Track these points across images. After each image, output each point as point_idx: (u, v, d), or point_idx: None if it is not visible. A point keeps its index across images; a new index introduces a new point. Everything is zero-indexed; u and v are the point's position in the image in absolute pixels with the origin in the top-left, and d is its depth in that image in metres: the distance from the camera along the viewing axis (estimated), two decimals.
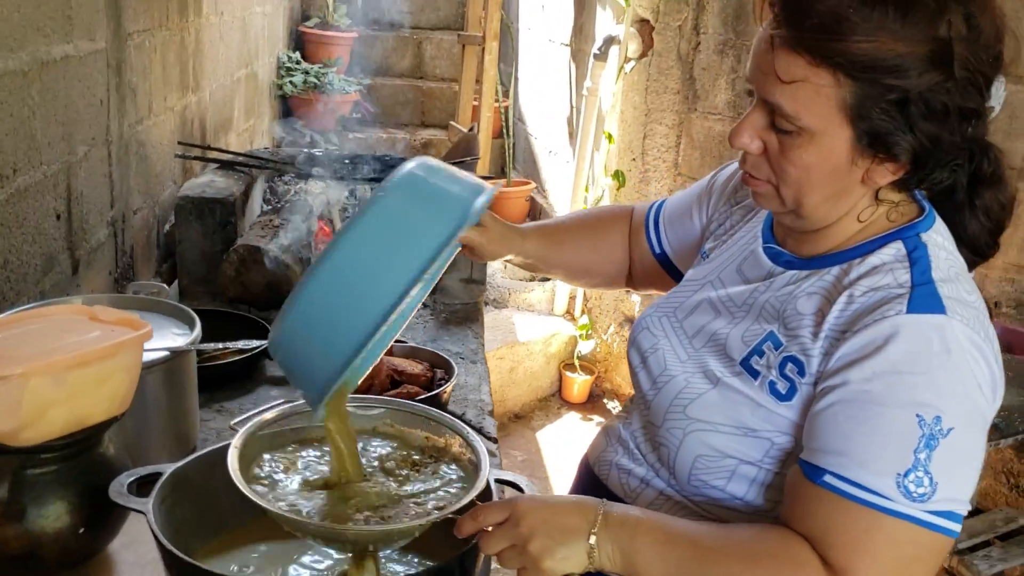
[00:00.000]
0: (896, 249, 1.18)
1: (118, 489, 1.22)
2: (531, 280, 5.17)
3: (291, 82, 5.75)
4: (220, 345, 1.89)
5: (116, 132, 2.53)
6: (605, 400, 4.81)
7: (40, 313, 1.30)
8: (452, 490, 1.22)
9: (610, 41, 4.54)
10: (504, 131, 6.19)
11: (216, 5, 3.75)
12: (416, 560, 1.29)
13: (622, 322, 4.67)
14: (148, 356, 1.44)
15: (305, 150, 3.07)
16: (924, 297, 1.11)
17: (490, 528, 1.15)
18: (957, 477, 1.07)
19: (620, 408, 4.56)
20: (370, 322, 1.05)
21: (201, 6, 3.47)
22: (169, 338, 1.61)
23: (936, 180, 1.18)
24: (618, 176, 4.57)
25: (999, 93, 1.15)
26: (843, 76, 1.10)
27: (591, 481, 1.44)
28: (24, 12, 1.90)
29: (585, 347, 4.82)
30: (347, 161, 2.93)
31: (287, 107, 5.94)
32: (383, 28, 6.83)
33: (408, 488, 1.22)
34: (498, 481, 1.31)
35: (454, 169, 1.22)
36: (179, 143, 3.15)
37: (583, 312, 4.97)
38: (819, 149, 1.15)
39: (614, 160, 4.64)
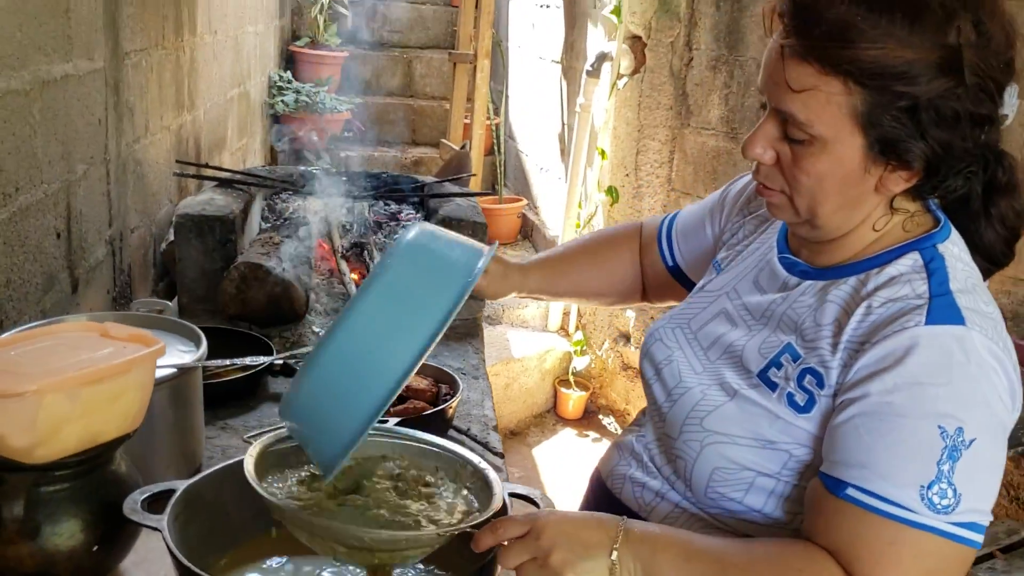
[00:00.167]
0: (913, 260, 1.18)
1: (132, 506, 1.20)
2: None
3: (283, 101, 5.76)
4: (228, 361, 1.89)
5: (114, 151, 2.52)
6: (600, 416, 4.80)
7: (51, 330, 1.29)
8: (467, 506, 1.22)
9: (603, 58, 4.56)
10: (495, 148, 6.21)
11: (210, 24, 3.75)
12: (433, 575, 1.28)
13: (616, 338, 4.66)
14: (156, 373, 1.43)
15: (302, 168, 3.07)
16: (943, 308, 1.11)
17: (509, 542, 1.15)
18: (980, 488, 1.07)
19: (614, 421, 4.57)
20: (380, 395, 1.07)
21: (195, 25, 3.48)
22: (175, 355, 1.60)
23: (950, 188, 1.18)
24: (611, 192, 4.58)
25: (1012, 100, 1.15)
26: (853, 83, 1.11)
27: (604, 495, 1.43)
28: (26, 31, 1.90)
29: (580, 363, 4.81)
30: (344, 179, 2.93)
31: (279, 126, 5.95)
32: (373, 47, 6.86)
33: (422, 505, 1.21)
34: (512, 495, 1.30)
35: (453, 235, 1.26)
36: (177, 161, 3.15)
37: (577, 328, 4.97)
38: (832, 157, 1.15)
39: (607, 176, 4.66)
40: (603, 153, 4.64)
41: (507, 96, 6.62)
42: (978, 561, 2.63)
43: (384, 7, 7.12)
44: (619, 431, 4.60)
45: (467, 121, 5.79)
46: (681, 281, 1.59)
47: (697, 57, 4.09)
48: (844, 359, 1.15)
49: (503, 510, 1.22)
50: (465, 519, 1.19)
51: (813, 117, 1.14)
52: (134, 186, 2.73)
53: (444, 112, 6.59)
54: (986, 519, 1.08)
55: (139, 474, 1.36)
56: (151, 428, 1.47)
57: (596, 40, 4.79)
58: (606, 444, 4.54)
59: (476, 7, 5.69)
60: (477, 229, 2.58)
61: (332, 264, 2.68)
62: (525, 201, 6.09)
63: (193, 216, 2.45)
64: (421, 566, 1.29)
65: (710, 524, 1.27)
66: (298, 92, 5.88)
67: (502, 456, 1.93)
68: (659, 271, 1.63)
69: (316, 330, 2.40)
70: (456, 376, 2.01)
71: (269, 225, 2.81)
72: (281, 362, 2.06)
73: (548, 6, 5.79)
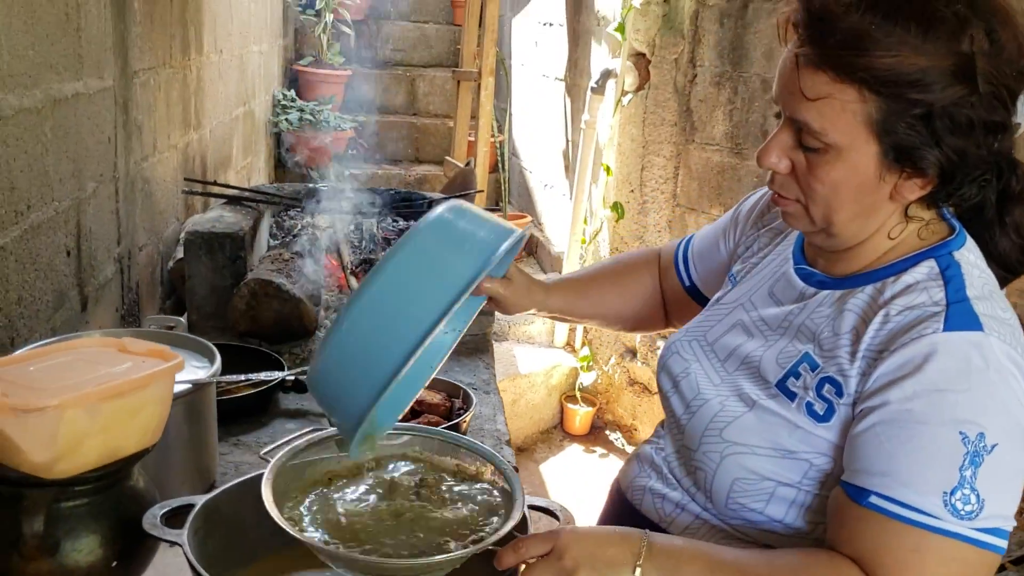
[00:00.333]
0: (929, 267, 1.19)
1: (152, 521, 1.20)
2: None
3: (287, 119, 5.78)
4: (242, 377, 1.88)
5: (123, 169, 2.53)
6: (607, 431, 4.79)
7: (69, 346, 1.29)
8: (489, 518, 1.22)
9: (607, 75, 4.58)
10: (500, 165, 6.22)
11: (216, 44, 3.77)
12: None
13: (623, 353, 4.66)
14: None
15: (310, 186, 3.08)
16: (960, 315, 1.12)
17: (531, 560, 1.14)
18: (1003, 493, 1.07)
19: (621, 437, 4.56)
20: (399, 355, 1.07)
21: (202, 44, 3.49)
22: (189, 371, 1.60)
23: (965, 196, 1.18)
24: (616, 208, 4.59)
25: None
26: (867, 91, 1.12)
27: (624, 507, 1.43)
28: (38, 50, 1.91)
29: (586, 379, 4.81)
30: (351, 196, 2.94)
31: (283, 144, 5.97)
32: (376, 66, 6.89)
33: (444, 514, 1.21)
34: (532, 507, 1.30)
35: (486, 213, 1.26)
36: (186, 179, 3.16)
37: (584, 344, 4.96)
38: (846, 165, 1.16)
39: (612, 192, 4.66)
40: (608, 169, 4.65)
41: (510, 114, 6.65)
42: None
43: (387, 26, 7.16)
44: (626, 447, 4.59)
45: (471, 138, 5.80)
46: (699, 300, 1.59)
47: (701, 73, 4.10)
48: (863, 367, 1.16)
49: (523, 522, 1.21)
50: (486, 528, 1.19)
51: (828, 125, 1.14)
52: (142, 204, 2.73)
53: (447, 130, 6.61)
54: (1010, 524, 1.08)
55: (156, 489, 1.36)
56: (166, 444, 1.47)
57: (600, 57, 4.81)
58: (613, 460, 4.54)
59: (480, 25, 5.72)
60: None
61: (341, 280, 2.68)
62: (529, 218, 6.10)
63: (203, 233, 2.45)
64: None
65: (731, 535, 1.27)
66: (302, 111, 5.91)
67: (516, 470, 1.93)
68: (677, 292, 1.63)
69: None
70: (468, 391, 2.02)
71: (278, 242, 2.81)
72: (293, 378, 2.06)
73: (551, 24, 5.82)
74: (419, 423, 1.83)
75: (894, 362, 1.12)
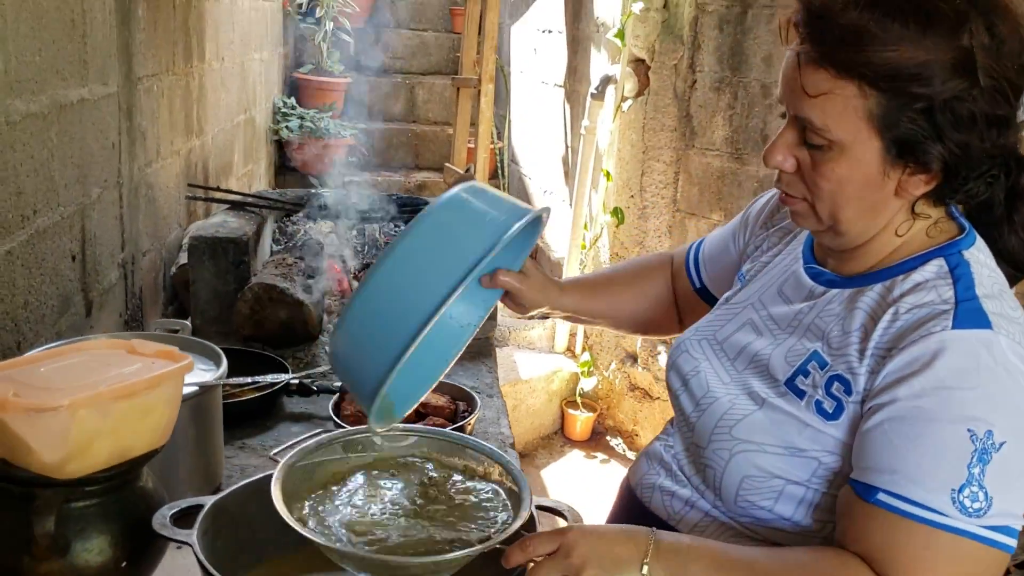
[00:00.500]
0: (938, 266, 1.19)
1: (161, 521, 1.21)
2: (531, 318, 5.17)
3: (287, 127, 5.79)
4: (249, 379, 1.89)
5: (127, 175, 2.54)
6: (608, 437, 4.79)
7: (80, 347, 1.29)
8: (498, 516, 1.22)
9: (607, 81, 4.59)
10: (499, 172, 6.23)
11: (218, 51, 3.78)
12: None
13: (624, 358, 4.66)
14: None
15: (313, 191, 3.09)
16: (969, 313, 1.12)
17: (539, 559, 1.14)
18: (1011, 491, 1.07)
19: (622, 443, 4.56)
20: (415, 323, 1.09)
21: (204, 52, 3.51)
22: (195, 374, 1.60)
23: (971, 193, 1.19)
24: (617, 213, 4.60)
25: None
26: (868, 87, 1.13)
27: (633, 504, 1.43)
28: (44, 56, 1.92)
29: (587, 384, 4.80)
30: (352, 202, 2.95)
31: (283, 151, 5.98)
32: (376, 74, 6.90)
33: (453, 513, 1.22)
34: (540, 508, 1.30)
35: (503, 194, 1.27)
36: (189, 185, 3.17)
37: (584, 349, 4.96)
38: (850, 161, 1.17)
39: (612, 197, 4.67)
40: (608, 175, 4.66)
41: (509, 120, 6.66)
42: None
43: (387, 34, 7.18)
44: (627, 452, 4.59)
45: (471, 145, 5.82)
46: (709, 302, 1.60)
47: (701, 79, 4.11)
48: (871, 365, 1.16)
49: (531, 521, 1.22)
50: (494, 527, 1.19)
51: (830, 122, 1.15)
52: (145, 210, 2.74)
53: (446, 137, 6.63)
54: (1018, 523, 1.08)
55: (164, 490, 1.36)
56: (173, 446, 1.47)
57: (599, 64, 4.82)
58: (614, 465, 4.54)
59: (479, 33, 5.73)
60: None
61: (344, 285, 2.69)
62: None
63: (207, 238, 2.46)
64: None
65: (740, 533, 1.28)
66: (302, 118, 5.92)
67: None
68: (689, 294, 1.65)
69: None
70: (473, 394, 2.02)
71: (281, 247, 2.82)
72: (297, 381, 2.07)
73: (550, 31, 5.83)
74: (424, 425, 1.84)
75: (903, 359, 1.12)
